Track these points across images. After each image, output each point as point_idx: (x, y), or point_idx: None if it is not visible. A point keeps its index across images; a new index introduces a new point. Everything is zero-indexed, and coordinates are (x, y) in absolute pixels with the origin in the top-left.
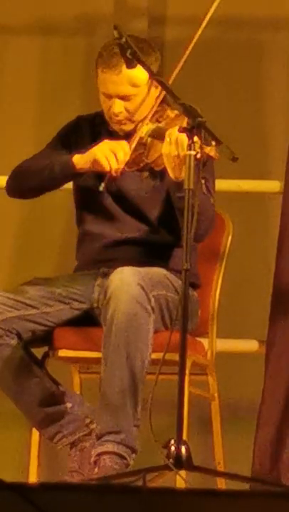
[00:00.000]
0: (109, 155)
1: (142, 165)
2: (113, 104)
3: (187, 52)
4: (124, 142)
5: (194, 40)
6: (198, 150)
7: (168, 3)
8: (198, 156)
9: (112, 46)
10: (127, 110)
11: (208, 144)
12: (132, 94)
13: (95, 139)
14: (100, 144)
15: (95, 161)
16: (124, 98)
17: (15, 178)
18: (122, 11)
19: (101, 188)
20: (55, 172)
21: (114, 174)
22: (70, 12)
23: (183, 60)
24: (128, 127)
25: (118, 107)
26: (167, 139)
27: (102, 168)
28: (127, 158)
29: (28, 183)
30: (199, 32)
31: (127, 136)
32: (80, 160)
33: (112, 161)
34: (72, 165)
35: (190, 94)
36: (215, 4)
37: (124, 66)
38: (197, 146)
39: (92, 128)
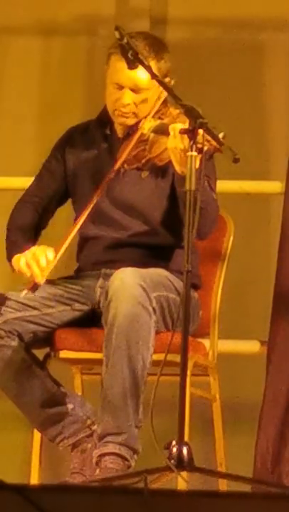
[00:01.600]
0: (31, 262)
1: (143, 161)
2: (123, 94)
3: None
4: (49, 248)
5: None
6: (205, 142)
7: (169, 3)
8: (206, 148)
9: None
10: (134, 103)
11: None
12: (143, 88)
13: (89, 146)
14: (25, 252)
15: (19, 268)
16: (135, 90)
17: (7, 230)
18: (123, 12)
19: (22, 295)
20: (8, 260)
21: (37, 281)
22: (72, 13)
23: None
24: (130, 122)
25: (128, 98)
26: (171, 132)
27: (25, 274)
28: (52, 264)
29: None
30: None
31: (126, 136)
32: (14, 262)
33: (34, 267)
34: (11, 265)
35: (191, 95)
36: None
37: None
38: (202, 138)
39: (86, 136)
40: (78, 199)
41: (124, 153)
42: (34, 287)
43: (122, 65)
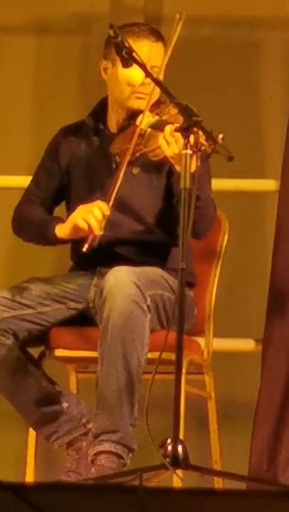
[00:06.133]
0: (86, 216)
1: (137, 154)
2: (135, 70)
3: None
4: (98, 201)
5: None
6: (206, 144)
7: (164, 2)
8: (207, 149)
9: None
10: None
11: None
12: (159, 68)
13: (82, 142)
14: (76, 210)
15: (75, 227)
16: (153, 69)
17: (16, 230)
18: (117, 10)
19: (84, 249)
20: (45, 241)
21: (96, 233)
22: (66, 11)
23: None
24: (144, 105)
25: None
26: (169, 139)
27: (83, 230)
28: (107, 213)
29: (28, 239)
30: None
31: (120, 131)
32: (61, 230)
33: (91, 220)
34: (55, 238)
35: (186, 92)
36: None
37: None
38: (202, 139)
39: (78, 133)
40: (72, 195)
41: (129, 150)
42: (93, 240)
43: (139, 44)
